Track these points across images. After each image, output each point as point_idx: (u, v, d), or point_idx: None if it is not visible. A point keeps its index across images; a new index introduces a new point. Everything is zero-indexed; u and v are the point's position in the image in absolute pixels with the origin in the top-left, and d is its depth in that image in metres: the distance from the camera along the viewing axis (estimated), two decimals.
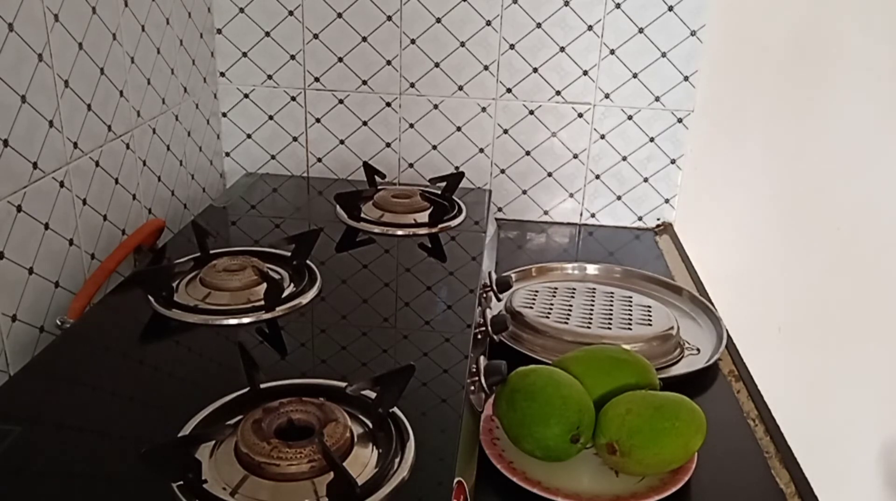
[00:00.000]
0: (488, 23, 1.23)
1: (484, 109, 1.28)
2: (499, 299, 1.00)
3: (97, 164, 0.90)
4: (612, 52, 1.24)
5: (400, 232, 1.05)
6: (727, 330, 0.97)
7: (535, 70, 1.25)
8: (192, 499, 0.53)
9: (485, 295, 0.92)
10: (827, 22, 0.81)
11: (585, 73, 1.25)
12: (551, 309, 0.98)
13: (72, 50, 0.84)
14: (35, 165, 0.78)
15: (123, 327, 0.78)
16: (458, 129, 1.30)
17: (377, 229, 1.05)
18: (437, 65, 1.26)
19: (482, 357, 0.75)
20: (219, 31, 1.25)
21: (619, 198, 1.34)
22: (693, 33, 1.21)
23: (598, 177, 1.32)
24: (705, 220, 1.22)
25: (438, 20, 1.23)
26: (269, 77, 1.28)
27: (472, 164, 1.32)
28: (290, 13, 1.24)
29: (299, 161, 1.34)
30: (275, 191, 1.22)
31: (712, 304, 1.05)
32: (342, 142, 1.32)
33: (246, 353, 0.64)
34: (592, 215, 1.36)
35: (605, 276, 1.13)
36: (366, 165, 1.21)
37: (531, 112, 1.28)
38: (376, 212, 1.09)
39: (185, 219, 1.16)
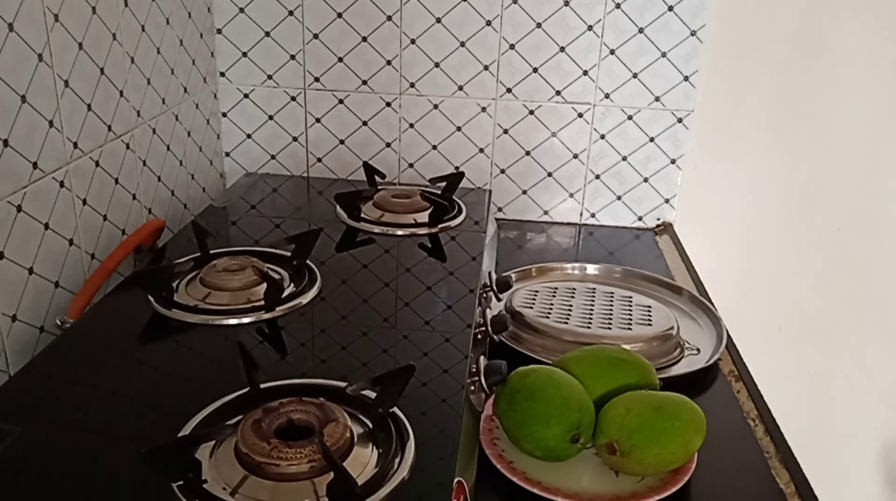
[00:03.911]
0: (488, 23, 1.23)
1: (484, 109, 1.28)
2: (499, 299, 1.00)
3: (97, 164, 0.90)
4: (612, 52, 1.24)
5: (400, 232, 1.05)
6: (727, 330, 0.97)
7: (535, 70, 1.25)
8: (192, 499, 0.53)
9: (485, 295, 0.92)
10: (827, 22, 0.81)
11: (585, 73, 1.25)
12: (551, 309, 0.98)
13: (72, 50, 0.84)
14: (35, 165, 0.78)
15: (123, 327, 0.78)
16: (458, 129, 1.30)
17: (377, 229, 1.05)
18: (437, 65, 1.26)
19: (482, 357, 0.75)
20: (219, 31, 1.25)
21: (619, 198, 1.34)
22: (693, 33, 1.21)
23: (598, 177, 1.32)
24: (705, 220, 1.22)
25: (438, 20, 1.23)
26: (269, 77, 1.28)
27: (472, 164, 1.32)
28: (290, 13, 1.24)
29: (299, 161, 1.34)
30: (275, 191, 1.22)
31: (712, 304, 1.05)
32: (342, 142, 1.32)
33: (246, 353, 0.64)
34: (592, 215, 1.36)
35: (605, 276, 1.13)
36: (366, 165, 1.21)
37: (531, 112, 1.28)
38: (376, 212, 1.09)
39: (185, 219, 1.16)
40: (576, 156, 1.31)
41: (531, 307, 0.98)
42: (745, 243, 1.03)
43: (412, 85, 1.27)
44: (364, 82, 1.28)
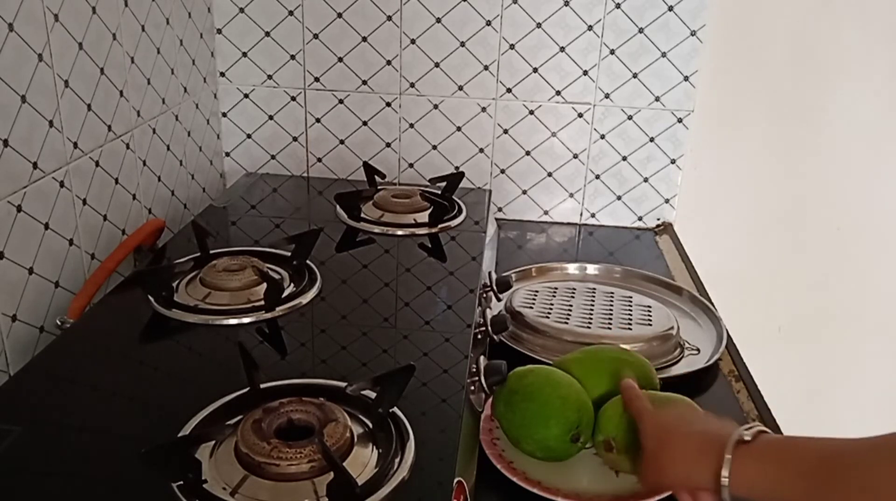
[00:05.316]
0: (488, 23, 1.23)
1: (484, 109, 1.28)
2: (499, 299, 1.00)
3: (97, 164, 0.90)
4: (612, 52, 1.24)
5: (400, 232, 1.05)
6: (727, 330, 0.97)
7: (535, 70, 1.25)
8: (192, 499, 0.53)
9: (485, 295, 0.92)
10: (826, 23, 0.81)
11: (585, 73, 1.25)
12: (551, 309, 0.98)
13: (72, 50, 0.84)
14: (35, 165, 0.78)
15: (123, 327, 0.78)
16: (458, 129, 1.30)
17: (377, 229, 1.05)
18: (437, 65, 1.26)
19: (482, 357, 0.75)
20: (219, 31, 1.25)
21: (619, 198, 1.34)
22: (693, 33, 1.21)
23: (598, 177, 1.32)
24: (705, 220, 1.22)
25: (438, 20, 1.23)
26: (269, 77, 1.28)
27: (472, 164, 1.32)
28: (290, 13, 1.23)
29: (299, 161, 1.34)
30: (275, 191, 1.22)
31: (712, 304, 1.04)
32: (342, 142, 1.32)
33: (246, 353, 0.64)
34: (592, 215, 1.36)
35: (605, 276, 1.13)
36: (366, 165, 1.21)
37: (531, 112, 1.28)
38: (376, 212, 1.09)
39: (185, 219, 1.16)
40: (576, 156, 1.31)
41: (531, 307, 0.98)
42: (745, 243, 1.03)
43: (412, 85, 1.27)
44: (364, 82, 1.28)
